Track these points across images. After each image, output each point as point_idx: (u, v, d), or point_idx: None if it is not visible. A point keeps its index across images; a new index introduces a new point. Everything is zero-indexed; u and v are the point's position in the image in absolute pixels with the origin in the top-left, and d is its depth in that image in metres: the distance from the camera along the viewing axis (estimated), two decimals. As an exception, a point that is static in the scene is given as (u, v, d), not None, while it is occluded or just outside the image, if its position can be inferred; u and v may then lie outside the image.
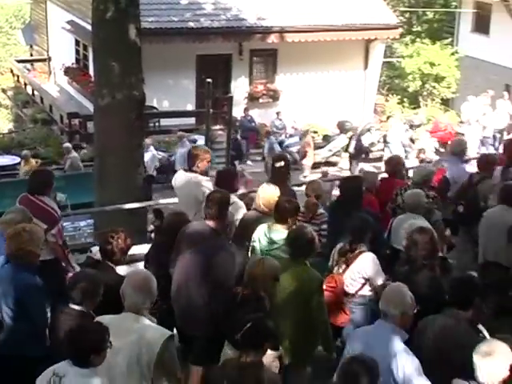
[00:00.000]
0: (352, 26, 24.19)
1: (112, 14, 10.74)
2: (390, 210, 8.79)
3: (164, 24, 21.85)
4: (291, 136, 22.25)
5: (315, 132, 23.77)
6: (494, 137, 22.17)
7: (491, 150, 18.41)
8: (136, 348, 4.93)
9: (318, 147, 22.40)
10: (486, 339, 5.12)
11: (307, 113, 23.54)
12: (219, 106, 20.56)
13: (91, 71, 16.89)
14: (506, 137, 21.57)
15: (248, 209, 8.11)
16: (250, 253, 7.26)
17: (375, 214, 7.91)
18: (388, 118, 25.45)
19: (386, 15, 25.74)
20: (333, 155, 22.22)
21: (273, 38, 23.30)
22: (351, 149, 21.35)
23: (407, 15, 35.30)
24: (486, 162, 9.79)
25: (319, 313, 6.26)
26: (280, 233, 6.87)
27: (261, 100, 24.42)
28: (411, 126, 24.15)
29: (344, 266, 7.16)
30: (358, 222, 7.25)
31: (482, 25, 30.22)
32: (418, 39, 32.57)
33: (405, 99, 30.61)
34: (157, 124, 22.30)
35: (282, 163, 8.91)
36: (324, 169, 19.61)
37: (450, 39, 32.02)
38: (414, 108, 29.62)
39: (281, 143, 21.92)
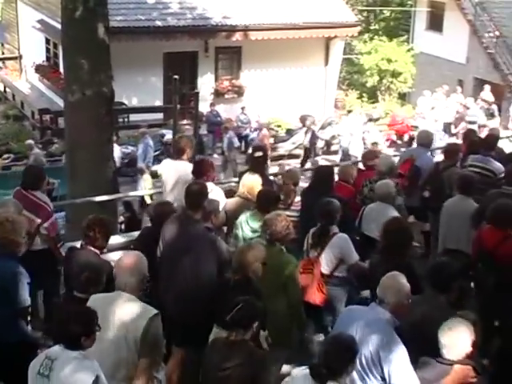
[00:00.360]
0: (313, 25, 24.26)
1: (81, 13, 10.63)
2: (359, 201, 8.88)
3: (132, 23, 21.74)
4: (256, 130, 22.23)
5: (279, 126, 23.85)
6: (445, 130, 22.36)
7: (441, 143, 18.58)
8: (124, 325, 5.05)
9: (281, 141, 22.49)
10: (450, 318, 5.22)
11: (271, 107, 23.62)
12: (186, 101, 20.51)
13: (61, 69, 16.70)
14: (453, 130, 21.83)
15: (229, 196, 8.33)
16: (232, 239, 7.37)
17: (343, 200, 7.93)
18: (348, 112, 25.57)
19: (345, 14, 25.85)
20: (295, 148, 22.22)
21: (237, 36, 23.30)
22: (306, 142, 21.47)
23: (365, 14, 35.77)
24: (451, 150, 9.98)
25: (295, 294, 6.36)
26: (261, 222, 6.94)
27: (226, 96, 24.43)
28: (370, 120, 24.26)
29: (319, 249, 7.21)
30: (326, 205, 7.30)
31: (435, 23, 30.72)
32: (375, 37, 33.07)
33: (364, 94, 31.02)
34: (126, 119, 22.21)
35: (261, 153, 9.05)
36: (281, 162, 19.56)
37: (405, 36, 32.58)
38: (373, 102, 30.02)
39: (246, 137, 21.94)
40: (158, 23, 22.15)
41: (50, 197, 8.79)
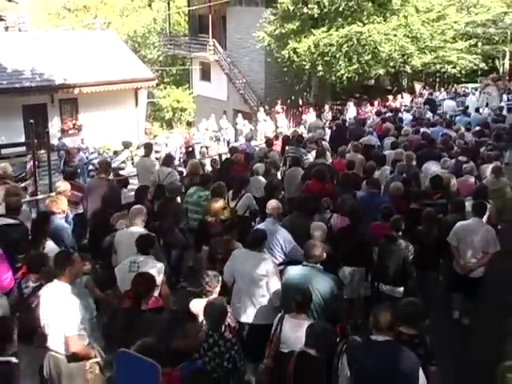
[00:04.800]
0: (125, 80, 24.49)
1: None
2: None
3: (-4, 86, 21.11)
4: (92, 153, 22.34)
5: (108, 149, 23.99)
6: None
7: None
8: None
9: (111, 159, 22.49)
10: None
11: (102, 137, 23.73)
12: (41, 137, 20.09)
13: None
14: (183, 150, 21.55)
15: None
16: (185, 204, 8.26)
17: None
18: (154, 136, 26.25)
19: (146, 72, 26.37)
20: (121, 163, 22.47)
21: (73, 91, 23.19)
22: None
23: (160, 71, 36.22)
24: (270, 143, 11.70)
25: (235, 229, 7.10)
26: (203, 192, 8.13)
27: (70, 131, 24.05)
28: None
29: (236, 202, 8.07)
30: (238, 181, 8.46)
31: (206, 75, 31.77)
32: (168, 86, 33.71)
33: (164, 124, 31.68)
34: (-2, 153, 21.50)
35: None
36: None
37: (187, 85, 33.43)
38: (170, 129, 30.71)
39: (87, 157, 21.91)
40: (16, 85, 21.62)
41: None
